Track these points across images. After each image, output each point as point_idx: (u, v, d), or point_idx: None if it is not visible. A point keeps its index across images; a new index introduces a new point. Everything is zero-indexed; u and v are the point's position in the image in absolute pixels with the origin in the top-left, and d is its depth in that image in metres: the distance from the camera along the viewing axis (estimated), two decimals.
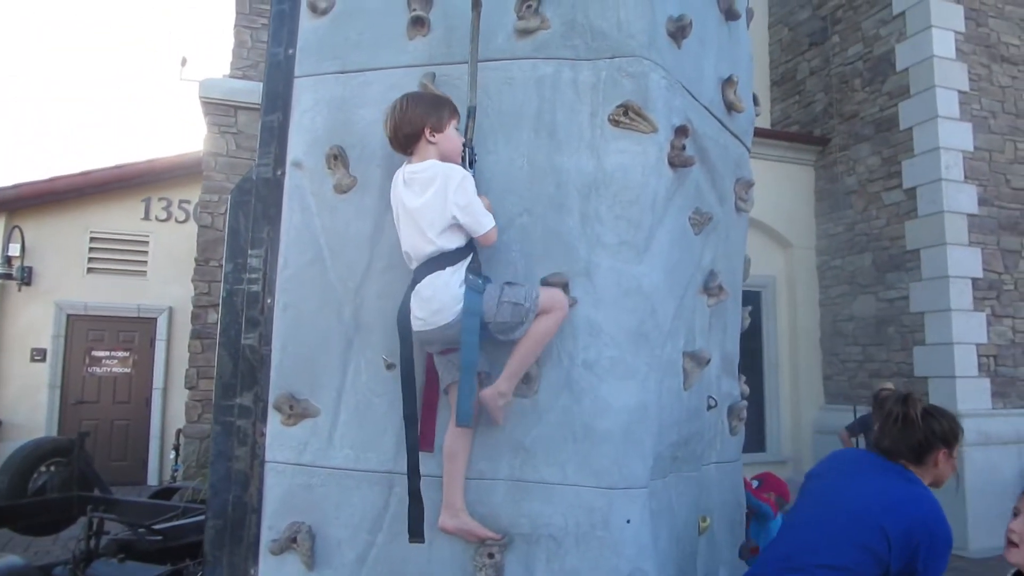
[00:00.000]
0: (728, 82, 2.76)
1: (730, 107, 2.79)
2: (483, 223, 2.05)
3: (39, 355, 9.20)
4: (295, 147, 2.45)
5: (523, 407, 2.16)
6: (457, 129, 2.16)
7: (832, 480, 2.16)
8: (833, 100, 8.63)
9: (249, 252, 2.46)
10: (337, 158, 2.37)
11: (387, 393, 2.22)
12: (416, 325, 2.05)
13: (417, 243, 2.06)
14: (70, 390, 9.33)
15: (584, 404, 2.13)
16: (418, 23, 2.35)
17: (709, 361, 2.47)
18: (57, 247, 9.34)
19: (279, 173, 2.47)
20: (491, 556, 2.08)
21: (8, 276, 8.90)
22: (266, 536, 2.30)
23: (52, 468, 5.44)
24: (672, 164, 2.30)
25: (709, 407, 2.59)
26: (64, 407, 9.27)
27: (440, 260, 2.03)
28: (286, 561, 2.26)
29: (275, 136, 2.49)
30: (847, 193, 8.35)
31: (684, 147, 2.34)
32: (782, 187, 8.51)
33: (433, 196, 2.03)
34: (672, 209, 2.36)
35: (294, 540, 2.24)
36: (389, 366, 2.21)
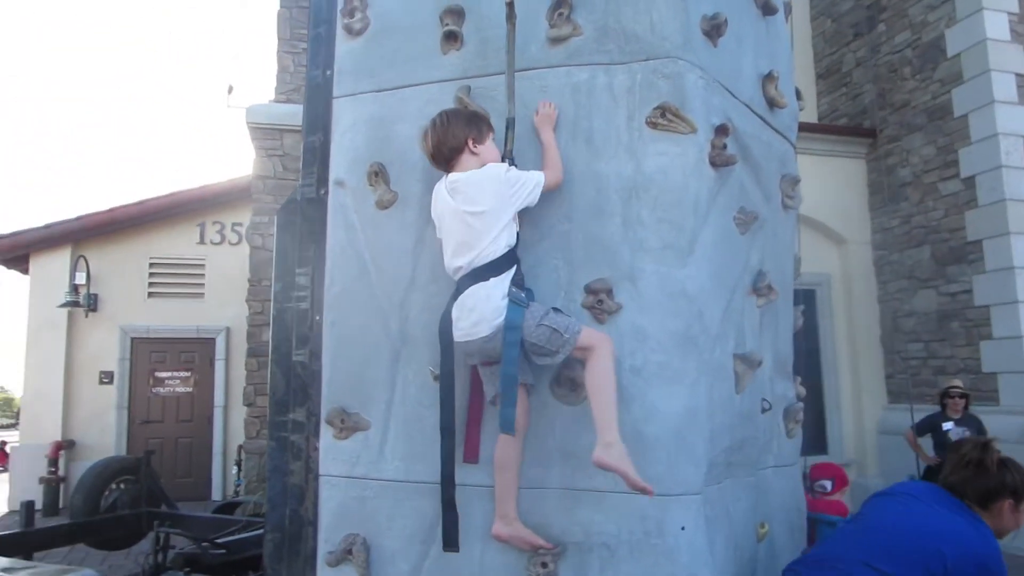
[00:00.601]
0: (768, 78, 2.72)
1: (772, 103, 2.74)
2: (539, 182, 2.12)
3: (107, 378, 9.56)
4: (337, 166, 2.50)
5: (572, 414, 2.15)
6: (494, 141, 2.18)
7: (900, 501, 2.16)
8: (882, 90, 8.38)
9: (297, 271, 2.52)
10: (378, 175, 2.41)
11: (435, 405, 2.22)
12: (457, 336, 2.06)
13: (464, 251, 2.06)
14: (136, 410, 9.67)
15: (633, 410, 2.10)
16: (451, 37, 2.38)
17: (761, 363, 2.42)
18: (119, 274, 9.70)
19: (322, 192, 2.52)
20: (544, 565, 2.07)
21: (76, 304, 9.28)
22: (322, 548, 2.34)
23: (122, 486, 5.66)
24: (713, 164, 2.27)
25: (763, 410, 2.53)
26: (131, 427, 9.60)
27: (484, 271, 2.03)
28: (343, 573, 2.29)
29: (317, 156, 2.55)
30: (902, 185, 8.08)
31: (725, 146, 2.30)
32: (833, 182, 8.29)
33: (492, 199, 2.05)
34: (716, 209, 2.32)
35: (349, 552, 2.27)
36: (436, 377, 2.22)
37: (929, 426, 6.11)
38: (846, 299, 8.44)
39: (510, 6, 2.19)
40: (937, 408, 6.18)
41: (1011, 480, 2.06)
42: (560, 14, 2.28)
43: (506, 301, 2.01)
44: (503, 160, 2.17)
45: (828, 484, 3.52)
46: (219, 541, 3.54)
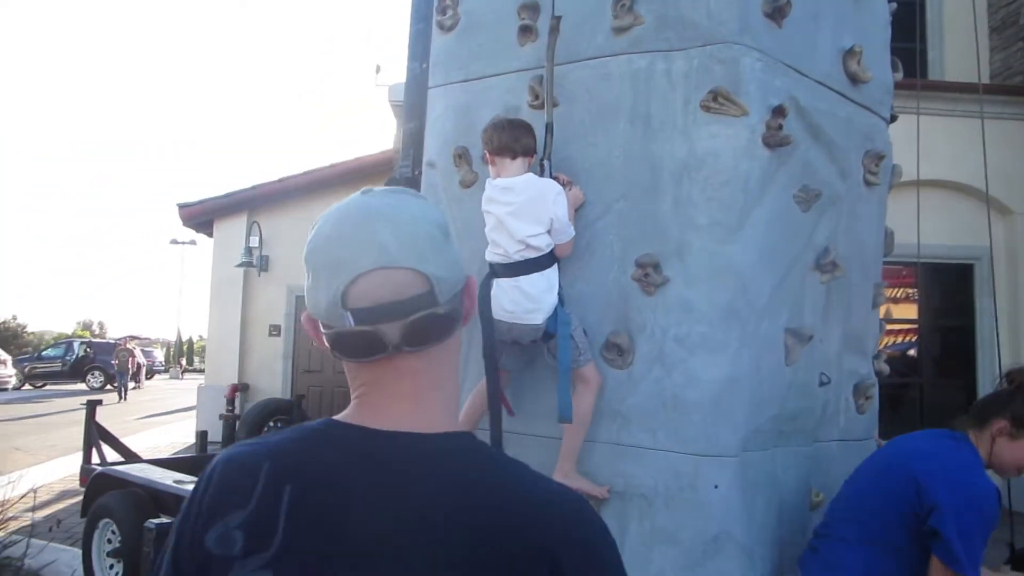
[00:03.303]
0: (850, 53, 2.70)
1: (853, 78, 2.72)
2: (569, 232, 2.31)
3: (275, 331, 10.78)
4: (430, 149, 2.83)
5: (619, 377, 2.36)
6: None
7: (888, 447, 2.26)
8: None
9: None
10: (462, 157, 2.70)
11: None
12: (500, 315, 2.30)
13: (511, 243, 2.29)
14: (299, 360, 10.84)
15: (674, 376, 2.28)
16: (526, 31, 2.60)
17: (811, 337, 2.48)
18: (288, 237, 10.81)
19: (417, 173, 2.87)
20: None
21: (250, 264, 10.51)
22: None
23: (278, 424, 6.53)
24: (767, 144, 2.35)
25: (821, 383, 2.59)
26: (295, 374, 10.80)
27: (536, 263, 2.27)
28: None
29: (414, 141, 2.89)
30: None
31: (780, 127, 2.37)
32: (999, 147, 7.54)
33: (533, 202, 2.27)
34: (773, 188, 2.40)
35: None
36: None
37: None
38: (1010, 274, 7.73)
39: (556, 20, 2.37)
40: None
41: (1020, 404, 1.92)
42: (622, 5, 2.43)
43: (557, 299, 2.25)
44: (541, 163, 2.38)
45: None
46: None
